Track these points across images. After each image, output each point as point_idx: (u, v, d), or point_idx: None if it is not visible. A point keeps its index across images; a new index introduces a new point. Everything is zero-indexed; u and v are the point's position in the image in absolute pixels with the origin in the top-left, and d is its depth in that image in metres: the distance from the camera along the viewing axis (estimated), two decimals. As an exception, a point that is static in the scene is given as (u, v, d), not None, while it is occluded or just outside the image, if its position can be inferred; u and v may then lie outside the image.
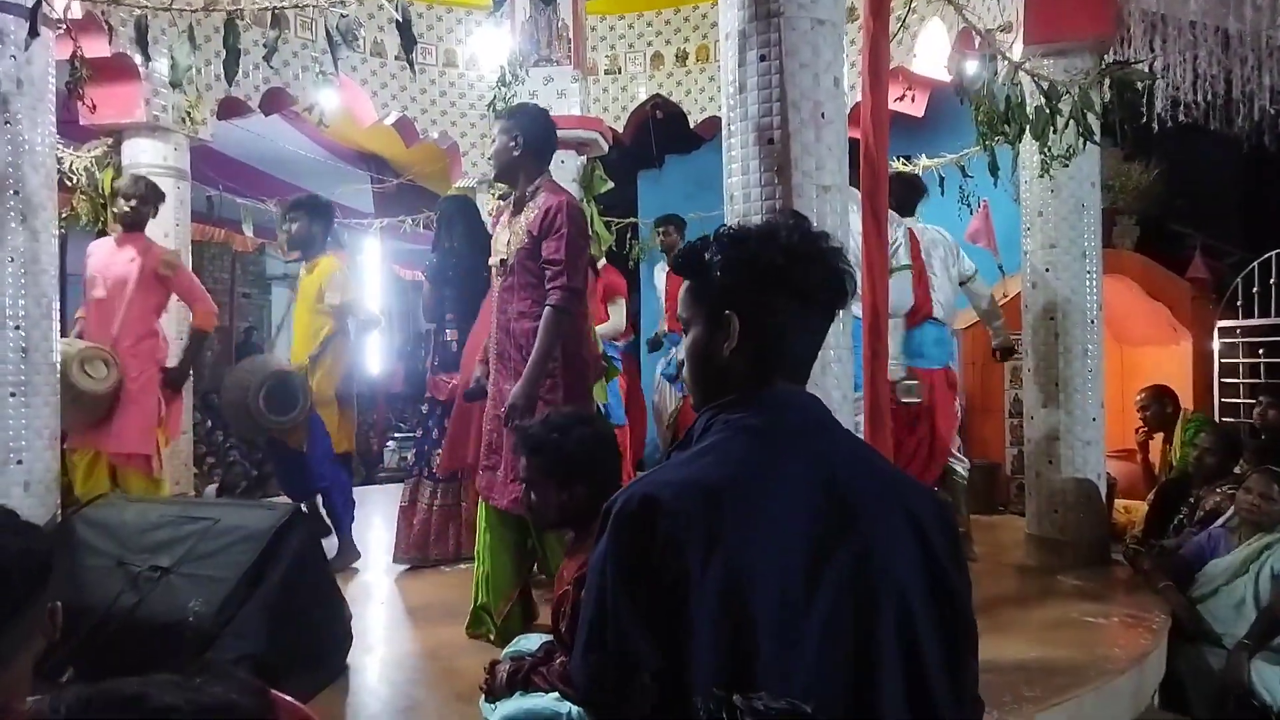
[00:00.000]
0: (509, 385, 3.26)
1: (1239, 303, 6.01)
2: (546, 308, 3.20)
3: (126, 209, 4.39)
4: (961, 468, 4.82)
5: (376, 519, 5.69)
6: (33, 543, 1.53)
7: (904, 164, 6.22)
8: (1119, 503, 5.40)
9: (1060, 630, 3.51)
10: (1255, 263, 5.88)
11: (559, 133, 5.07)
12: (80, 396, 4.01)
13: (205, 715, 0.82)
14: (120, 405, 4.25)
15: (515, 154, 3.34)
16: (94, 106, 4.03)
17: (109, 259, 4.41)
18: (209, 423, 8.84)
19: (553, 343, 3.19)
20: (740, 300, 1.24)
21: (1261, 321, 5.86)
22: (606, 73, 7.01)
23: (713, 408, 1.25)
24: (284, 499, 4.91)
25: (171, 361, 4.62)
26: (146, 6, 3.51)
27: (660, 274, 6.85)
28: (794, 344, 1.26)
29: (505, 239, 3.38)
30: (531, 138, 3.34)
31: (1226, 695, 3.40)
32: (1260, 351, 5.86)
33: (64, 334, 4.04)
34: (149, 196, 4.46)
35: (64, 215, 5.26)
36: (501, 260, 3.39)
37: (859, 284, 2.92)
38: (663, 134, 7.80)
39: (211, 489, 7.22)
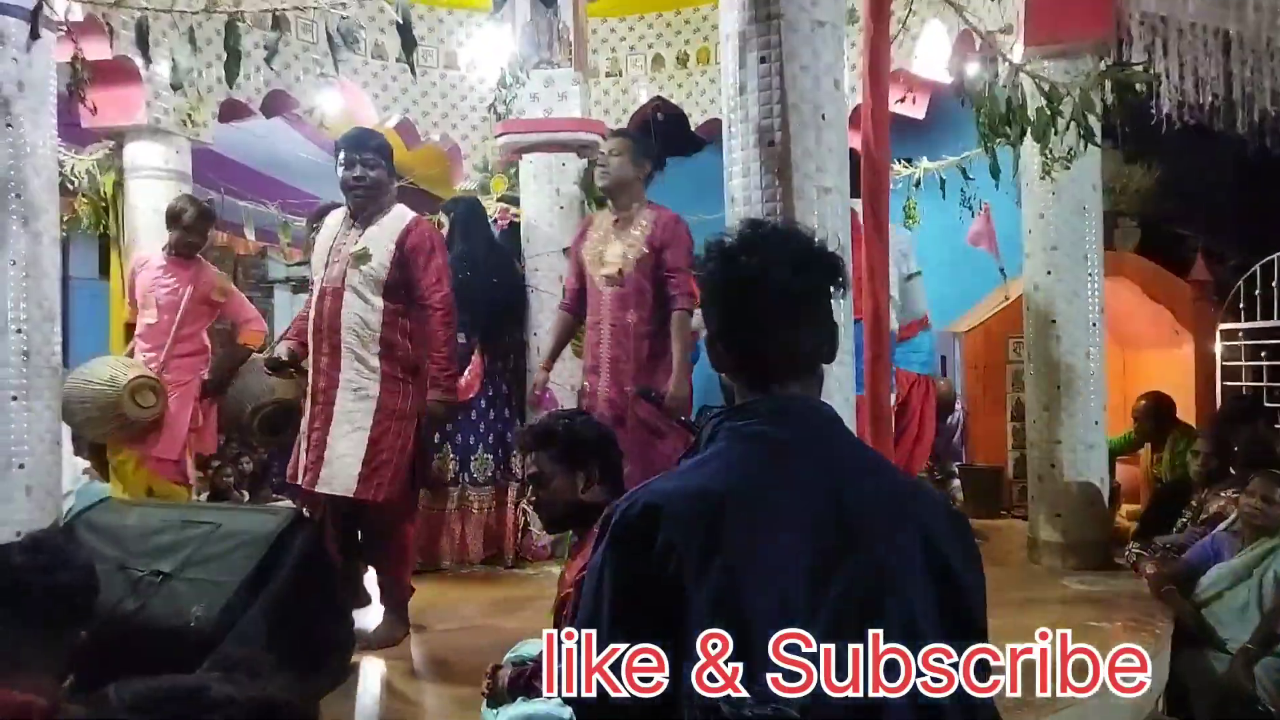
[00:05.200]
0: (614, 391, 3.55)
1: (1241, 305, 6.00)
2: (675, 312, 3.53)
3: (190, 240, 4.44)
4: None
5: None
6: (73, 578, 1.95)
7: (905, 166, 6.21)
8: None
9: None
10: (1258, 265, 5.87)
11: (560, 136, 5.09)
12: (128, 424, 4.17)
13: (256, 707, 0.87)
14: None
15: (638, 177, 3.72)
16: (95, 109, 4.02)
17: (160, 282, 4.43)
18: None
19: (689, 340, 3.52)
20: (711, 310, 1.28)
21: (1264, 324, 5.84)
22: (607, 75, 7.00)
23: (718, 415, 1.25)
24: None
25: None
26: (147, 9, 3.50)
27: None
28: (776, 344, 1.24)
29: (619, 250, 3.63)
30: (655, 166, 3.81)
31: (1230, 700, 3.39)
32: (1263, 354, 5.85)
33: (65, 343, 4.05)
34: (208, 228, 4.50)
35: (65, 219, 5.26)
36: (618, 270, 3.62)
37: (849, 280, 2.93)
38: (664, 136, 7.78)
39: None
